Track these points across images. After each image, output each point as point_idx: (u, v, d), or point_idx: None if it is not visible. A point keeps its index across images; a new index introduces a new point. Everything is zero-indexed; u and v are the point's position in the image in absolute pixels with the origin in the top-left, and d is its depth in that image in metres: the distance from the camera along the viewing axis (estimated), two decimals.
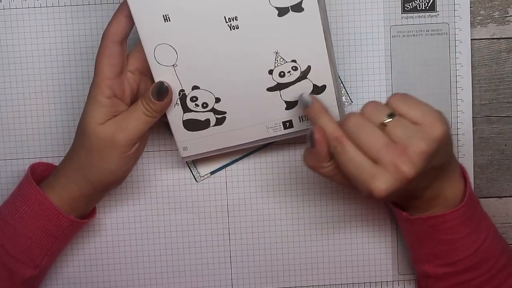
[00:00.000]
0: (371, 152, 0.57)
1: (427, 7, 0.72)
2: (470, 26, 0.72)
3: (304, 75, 0.65)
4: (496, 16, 0.72)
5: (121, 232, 0.73)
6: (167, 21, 0.60)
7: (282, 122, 0.67)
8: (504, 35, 0.73)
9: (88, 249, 0.73)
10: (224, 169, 0.73)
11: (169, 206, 0.73)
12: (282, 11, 0.61)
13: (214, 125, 0.66)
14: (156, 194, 0.73)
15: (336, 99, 0.66)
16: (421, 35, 0.72)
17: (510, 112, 0.73)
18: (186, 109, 0.65)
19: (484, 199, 0.74)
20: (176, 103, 0.64)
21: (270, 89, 0.65)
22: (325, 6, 0.63)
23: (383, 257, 0.74)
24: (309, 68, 0.64)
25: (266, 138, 0.67)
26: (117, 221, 0.73)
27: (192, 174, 0.73)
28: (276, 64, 0.64)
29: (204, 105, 0.65)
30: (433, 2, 0.72)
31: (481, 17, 0.72)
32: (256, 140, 0.67)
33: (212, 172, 0.73)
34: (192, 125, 0.66)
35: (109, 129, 0.62)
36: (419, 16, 0.72)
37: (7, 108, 0.71)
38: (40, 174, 0.68)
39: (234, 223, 0.73)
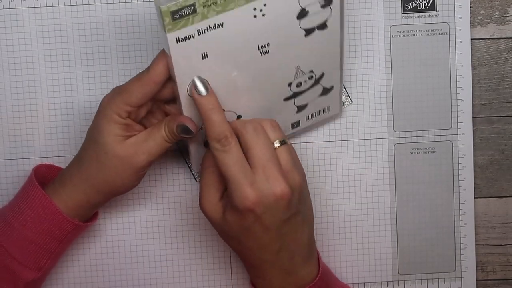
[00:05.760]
0: (258, 160, 0.59)
1: (427, 7, 0.72)
2: (470, 26, 0.72)
3: (317, 82, 0.66)
4: (496, 16, 0.72)
5: (121, 232, 0.73)
6: (205, 57, 0.60)
7: (291, 123, 0.68)
8: (504, 35, 0.73)
9: (88, 249, 0.73)
10: None
11: (169, 206, 0.73)
12: (308, 31, 0.62)
13: None
14: (156, 194, 0.73)
15: (339, 95, 0.68)
16: (421, 35, 0.72)
17: (510, 112, 0.73)
18: None
19: (484, 199, 0.74)
20: (201, 128, 0.65)
21: (286, 99, 0.66)
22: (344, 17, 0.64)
23: (383, 257, 0.74)
24: (322, 75, 0.66)
25: None
26: (117, 221, 0.73)
27: (192, 174, 0.73)
28: (295, 77, 0.65)
29: None
30: (433, 2, 0.72)
31: (481, 17, 0.72)
32: None
33: None
34: None
35: (129, 149, 0.62)
36: (419, 16, 0.72)
37: (7, 108, 0.71)
38: (42, 175, 0.68)
39: None
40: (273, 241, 0.61)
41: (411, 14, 0.72)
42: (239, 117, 0.65)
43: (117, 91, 0.62)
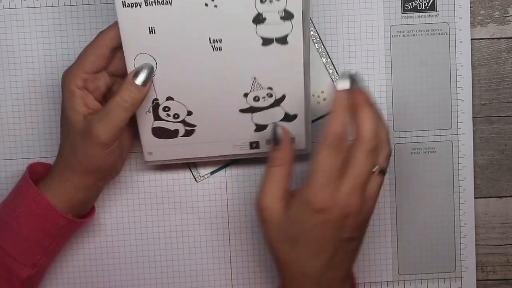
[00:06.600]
0: (353, 173, 0.58)
1: (427, 7, 0.72)
2: (470, 26, 0.72)
3: (277, 103, 0.65)
4: (496, 16, 0.72)
5: (120, 232, 0.73)
6: (152, 33, 0.60)
7: (249, 142, 0.67)
8: (504, 35, 0.73)
9: (88, 249, 0.73)
10: (224, 169, 0.73)
11: (169, 206, 0.73)
12: (266, 41, 0.62)
13: (182, 136, 0.66)
14: (156, 194, 0.73)
15: (305, 128, 0.67)
16: (421, 35, 0.72)
17: (510, 112, 0.73)
18: (157, 117, 0.65)
19: (484, 199, 0.74)
20: (148, 111, 0.65)
21: (242, 111, 0.65)
22: (309, 41, 0.63)
23: (383, 257, 0.74)
24: (283, 97, 0.65)
25: (231, 155, 0.68)
26: (116, 221, 0.73)
27: (192, 174, 0.73)
28: (252, 88, 0.64)
29: (176, 116, 0.65)
30: (433, 2, 0.72)
31: (481, 17, 0.72)
32: (221, 155, 0.68)
33: (212, 172, 0.73)
34: (160, 133, 0.66)
35: (86, 124, 0.62)
36: (419, 16, 0.72)
37: (6, 108, 0.71)
38: (38, 174, 0.68)
39: (234, 223, 0.73)
40: (325, 254, 0.60)
41: (411, 14, 0.72)
42: (189, 112, 0.65)
43: (74, 62, 0.63)
